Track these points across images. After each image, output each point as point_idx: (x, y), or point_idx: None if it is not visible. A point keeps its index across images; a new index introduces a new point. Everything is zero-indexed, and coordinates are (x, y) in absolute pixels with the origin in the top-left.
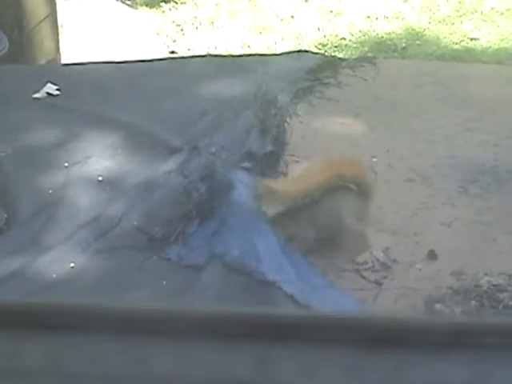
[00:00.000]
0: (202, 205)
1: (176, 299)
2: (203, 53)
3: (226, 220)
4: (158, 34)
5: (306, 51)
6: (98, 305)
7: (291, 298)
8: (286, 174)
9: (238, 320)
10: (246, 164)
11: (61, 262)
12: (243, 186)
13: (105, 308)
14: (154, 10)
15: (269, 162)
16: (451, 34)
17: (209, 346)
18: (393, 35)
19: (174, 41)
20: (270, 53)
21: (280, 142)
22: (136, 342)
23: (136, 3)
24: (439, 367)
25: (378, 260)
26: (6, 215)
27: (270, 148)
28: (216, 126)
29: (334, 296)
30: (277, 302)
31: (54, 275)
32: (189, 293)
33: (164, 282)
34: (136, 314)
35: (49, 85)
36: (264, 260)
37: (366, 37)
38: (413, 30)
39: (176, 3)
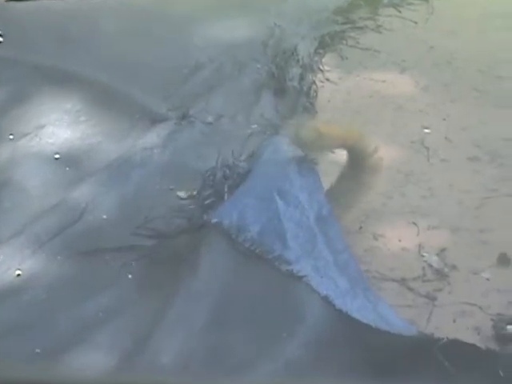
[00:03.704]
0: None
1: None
2: None
3: (247, 187)
4: None
5: None
6: None
7: (325, 299)
8: None
9: None
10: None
11: (3, 268)
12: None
13: None
14: None
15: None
16: None
17: None
18: None
19: None
20: None
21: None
22: None
23: None
24: None
25: (430, 266)
26: None
27: (291, 117)
28: (213, 85)
29: (381, 307)
30: (304, 304)
31: None
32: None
33: (130, 276)
34: None
35: None
36: (290, 240)
37: None
38: None
39: None
